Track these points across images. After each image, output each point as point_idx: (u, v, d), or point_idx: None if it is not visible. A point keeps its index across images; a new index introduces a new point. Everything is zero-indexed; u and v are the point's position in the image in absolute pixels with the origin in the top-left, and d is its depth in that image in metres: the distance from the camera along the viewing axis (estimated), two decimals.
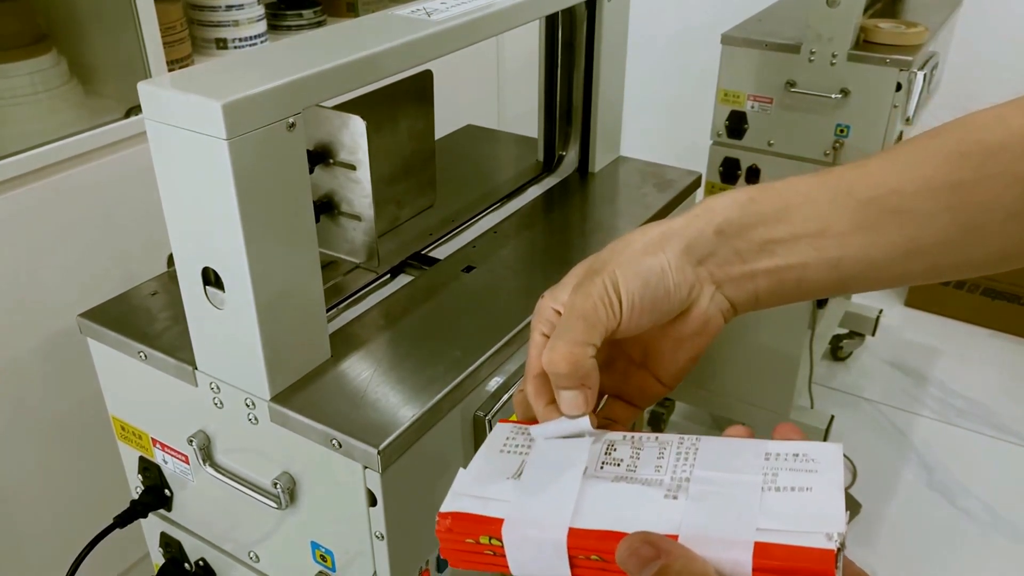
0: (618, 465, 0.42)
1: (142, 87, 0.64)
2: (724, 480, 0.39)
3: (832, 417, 2.00)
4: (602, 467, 0.42)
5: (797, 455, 0.40)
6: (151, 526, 0.92)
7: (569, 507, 0.40)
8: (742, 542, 0.36)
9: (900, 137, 1.72)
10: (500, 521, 0.41)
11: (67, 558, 0.85)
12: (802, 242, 0.45)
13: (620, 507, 0.39)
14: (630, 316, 0.43)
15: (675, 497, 0.39)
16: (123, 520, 0.86)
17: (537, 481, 0.42)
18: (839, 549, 0.35)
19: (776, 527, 0.36)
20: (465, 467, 0.44)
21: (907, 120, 1.67)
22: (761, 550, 0.36)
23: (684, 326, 0.46)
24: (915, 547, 1.71)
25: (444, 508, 0.43)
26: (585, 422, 0.43)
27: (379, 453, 0.66)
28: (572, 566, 0.39)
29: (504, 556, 0.41)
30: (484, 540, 0.41)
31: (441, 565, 0.79)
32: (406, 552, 0.74)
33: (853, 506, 0.41)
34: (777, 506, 0.37)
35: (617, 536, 0.37)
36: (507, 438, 0.46)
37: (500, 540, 0.40)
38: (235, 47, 1.48)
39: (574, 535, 0.38)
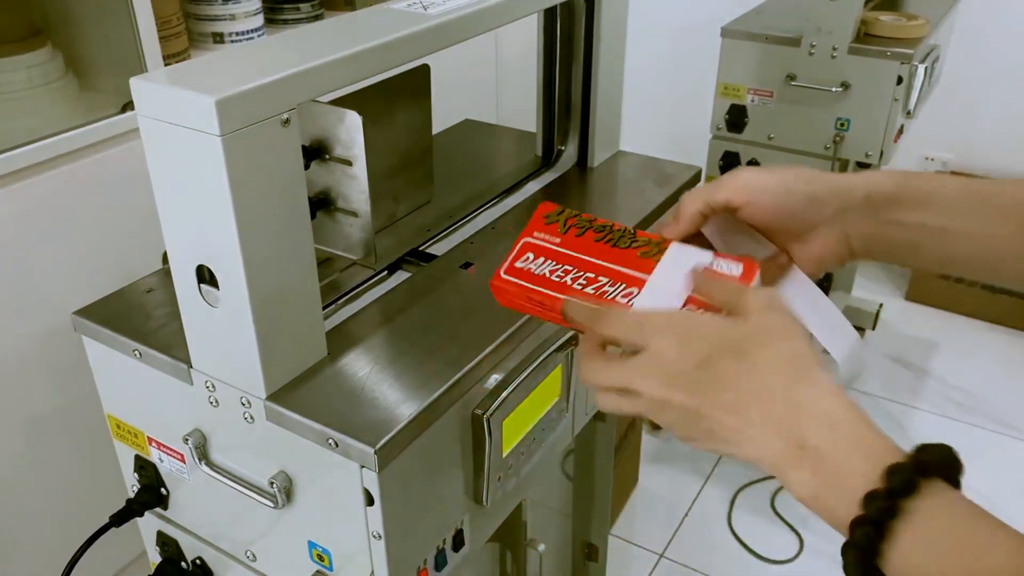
0: None
1: (134, 82, 0.63)
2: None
3: None
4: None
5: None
6: (148, 524, 0.92)
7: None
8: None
9: (901, 131, 1.71)
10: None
11: (62, 556, 0.85)
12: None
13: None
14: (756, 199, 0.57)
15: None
16: (119, 519, 0.86)
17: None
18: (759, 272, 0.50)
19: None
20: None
21: (908, 113, 1.67)
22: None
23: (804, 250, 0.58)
24: None
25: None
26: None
27: (376, 452, 0.65)
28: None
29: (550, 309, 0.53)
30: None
31: (439, 564, 0.79)
32: (404, 551, 0.73)
33: None
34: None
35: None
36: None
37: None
38: (232, 41, 1.47)
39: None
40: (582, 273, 0.54)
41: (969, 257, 0.57)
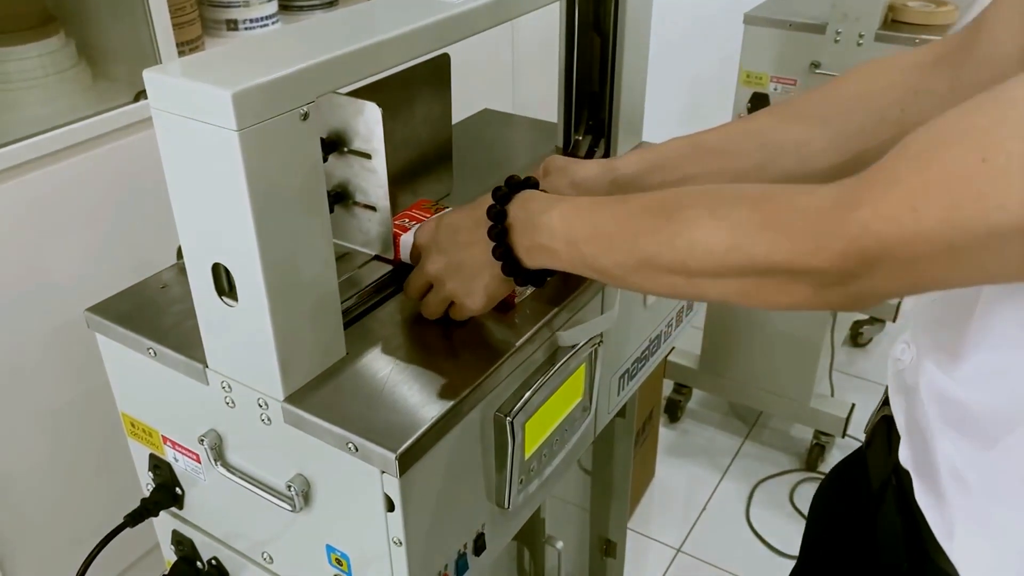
0: None
1: (148, 75, 0.61)
2: None
3: (853, 405, 1.97)
4: None
5: None
6: (162, 523, 0.90)
7: None
8: None
9: None
10: None
11: (75, 554, 0.83)
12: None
13: None
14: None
15: None
16: (134, 519, 0.84)
17: None
18: None
19: None
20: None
21: None
22: None
23: None
24: None
25: None
26: None
27: (397, 458, 0.63)
28: None
29: None
30: None
31: (460, 568, 0.77)
32: (425, 557, 0.71)
33: None
34: None
35: None
36: None
37: None
38: (246, 28, 1.45)
39: None
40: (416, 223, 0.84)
41: None
